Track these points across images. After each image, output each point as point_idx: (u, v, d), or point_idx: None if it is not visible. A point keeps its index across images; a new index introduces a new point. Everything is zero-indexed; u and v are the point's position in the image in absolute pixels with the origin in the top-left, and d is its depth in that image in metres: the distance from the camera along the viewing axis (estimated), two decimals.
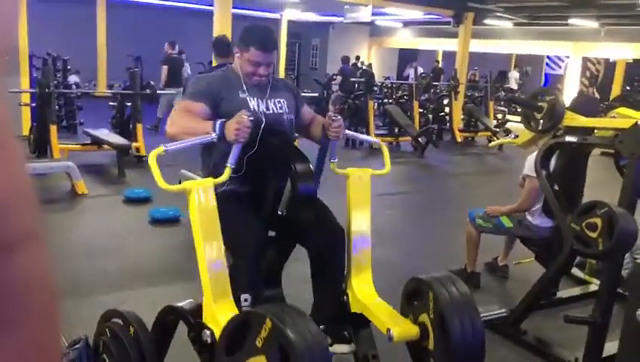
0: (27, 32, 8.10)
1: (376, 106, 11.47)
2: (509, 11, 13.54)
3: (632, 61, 15.51)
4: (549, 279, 3.21)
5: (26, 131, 7.47)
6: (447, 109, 11.79)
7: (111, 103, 8.48)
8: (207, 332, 2.08)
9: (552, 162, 3.31)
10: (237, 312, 2.06)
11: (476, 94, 12.77)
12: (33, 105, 7.34)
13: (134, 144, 7.34)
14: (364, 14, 11.89)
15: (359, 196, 2.44)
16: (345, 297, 2.40)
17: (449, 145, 10.96)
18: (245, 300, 2.16)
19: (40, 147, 6.92)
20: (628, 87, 15.21)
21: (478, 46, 14.19)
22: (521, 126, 3.55)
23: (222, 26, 8.00)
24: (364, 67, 14.42)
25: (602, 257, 2.92)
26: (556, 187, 3.13)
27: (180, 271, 3.93)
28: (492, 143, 9.11)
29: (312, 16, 17.89)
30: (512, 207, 3.80)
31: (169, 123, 2.34)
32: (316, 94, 11.94)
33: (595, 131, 3.30)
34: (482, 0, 12.43)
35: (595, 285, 3.95)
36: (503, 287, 4.19)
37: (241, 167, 2.26)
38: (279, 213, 2.28)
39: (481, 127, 11.42)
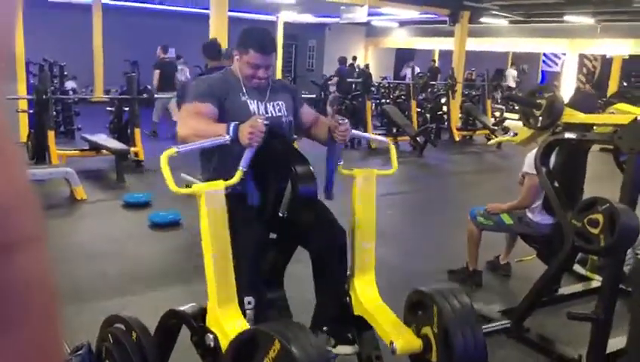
0: (23, 39, 8.09)
1: (373, 106, 11.47)
2: (504, 9, 13.55)
3: (628, 57, 15.52)
4: (550, 276, 3.20)
5: (23, 138, 7.46)
6: (444, 108, 11.80)
7: (108, 108, 8.47)
8: (211, 336, 2.07)
9: (552, 159, 3.31)
10: (242, 318, 2.07)
11: (473, 93, 12.78)
12: (30, 111, 7.33)
13: (133, 149, 7.32)
14: (360, 15, 11.90)
15: (365, 197, 2.43)
16: (348, 298, 2.39)
17: (447, 144, 10.97)
18: (249, 303, 2.16)
19: (38, 153, 6.91)
20: (625, 83, 15.23)
21: (474, 45, 14.21)
22: (519, 124, 3.54)
23: (218, 29, 7.99)
24: (360, 68, 14.42)
25: (604, 253, 2.91)
26: (556, 184, 3.12)
27: (181, 275, 3.93)
28: (491, 141, 9.12)
29: (308, 18, 17.90)
30: (512, 204, 3.80)
31: (180, 125, 2.33)
32: (313, 95, 11.93)
33: (595, 127, 3.30)
34: None
35: (596, 281, 3.95)
36: (505, 285, 4.18)
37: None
38: (280, 214, 2.27)
39: (479, 125, 11.43)
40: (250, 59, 2.41)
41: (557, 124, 3.27)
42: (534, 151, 3.36)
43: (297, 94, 2.70)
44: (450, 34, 13.25)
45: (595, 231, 2.65)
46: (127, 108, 7.83)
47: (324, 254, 2.37)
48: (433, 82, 12.94)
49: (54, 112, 7.78)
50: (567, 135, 3.09)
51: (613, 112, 3.51)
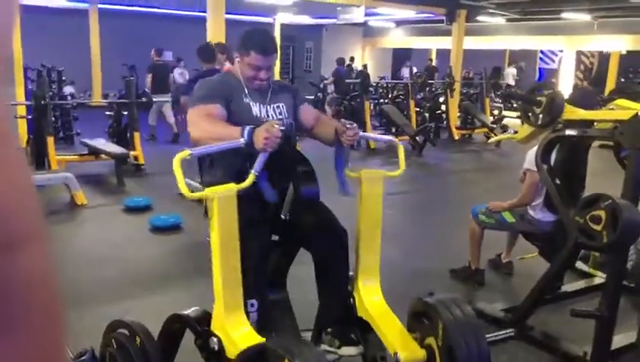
0: (21, 45, 8.08)
1: (372, 107, 11.47)
2: (501, 7, 13.55)
3: (625, 53, 15.54)
4: (553, 273, 3.20)
5: (22, 144, 7.44)
6: (443, 107, 11.80)
7: (107, 113, 8.46)
8: (215, 339, 2.07)
9: (553, 156, 3.30)
10: (248, 324, 2.08)
11: (472, 91, 12.77)
12: (29, 117, 7.32)
13: (132, 153, 7.32)
14: (356, 15, 11.88)
15: (371, 198, 2.41)
16: (351, 299, 2.38)
17: (447, 143, 10.97)
18: (252, 305, 2.15)
19: (37, 159, 6.88)
20: (622, 79, 15.24)
21: (471, 43, 14.21)
22: (518, 122, 3.54)
23: (215, 32, 7.97)
24: (359, 70, 14.41)
25: (607, 249, 2.90)
26: (557, 181, 3.12)
27: (183, 278, 3.93)
28: (491, 140, 9.11)
29: (305, 19, 17.90)
30: (513, 202, 3.79)
31: (191, 127, 2.31)
32: (312, 96, 11.94)
33: (595, 124, 3.30)
34: None
35: (599, 278, 3.94)
36: (508, 283, 4.18)
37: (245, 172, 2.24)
38: (282, 216, 2.27)
39: (478, 123, 11.43)
40: (251, 60, 2.40)
41: (557, 121, 3.26)
42: (535, 148, 3.36)
43: (298, 93, 2.68)
44: (447, 33, 13.26)
45: (598, 227, 2.65)
46: (125, 113, 7.83)
47: (326, 256, 2.36)
48: (431, 81, 12.95)
49: (53, 118, 7.78)
50: (568, 132, 3.09)
51: (613, 108, 3.51)
